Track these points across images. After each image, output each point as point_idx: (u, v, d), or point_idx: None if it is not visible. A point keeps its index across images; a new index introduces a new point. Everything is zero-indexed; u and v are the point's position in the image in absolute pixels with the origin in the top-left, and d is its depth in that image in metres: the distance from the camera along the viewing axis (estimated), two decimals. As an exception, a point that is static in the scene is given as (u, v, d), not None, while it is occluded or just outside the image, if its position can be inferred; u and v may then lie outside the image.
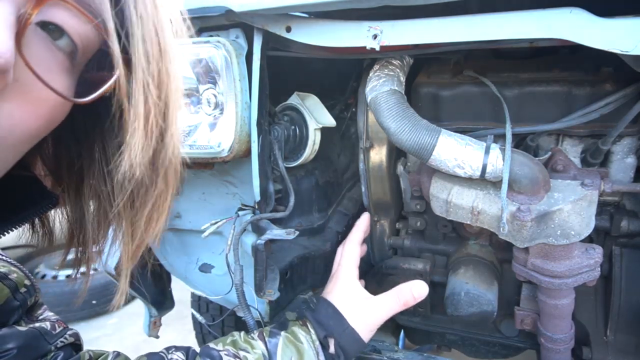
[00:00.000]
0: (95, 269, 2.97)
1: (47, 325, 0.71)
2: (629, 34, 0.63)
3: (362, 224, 1.02)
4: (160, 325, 1.28)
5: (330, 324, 0.85)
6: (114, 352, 0.79)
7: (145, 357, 0.77)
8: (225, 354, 0.79)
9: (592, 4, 0.66)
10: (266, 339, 0.83)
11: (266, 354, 0.80)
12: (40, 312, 0.74)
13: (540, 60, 1.00)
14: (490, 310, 1.00)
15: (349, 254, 0.96)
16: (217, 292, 1.11)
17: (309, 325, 0.85)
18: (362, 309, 0.88)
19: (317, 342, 0.82)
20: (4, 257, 0.67)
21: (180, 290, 1.35)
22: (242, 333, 0.86)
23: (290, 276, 1.06)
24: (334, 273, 0.96)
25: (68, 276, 2.90)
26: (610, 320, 1.00)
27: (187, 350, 0.80)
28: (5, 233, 0.48)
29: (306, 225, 1.20)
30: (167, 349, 0.80)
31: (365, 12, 0.80)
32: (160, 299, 1.25)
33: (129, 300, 3.03)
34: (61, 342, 0.72)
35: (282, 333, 0.84)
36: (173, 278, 1.29)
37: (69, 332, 0.75)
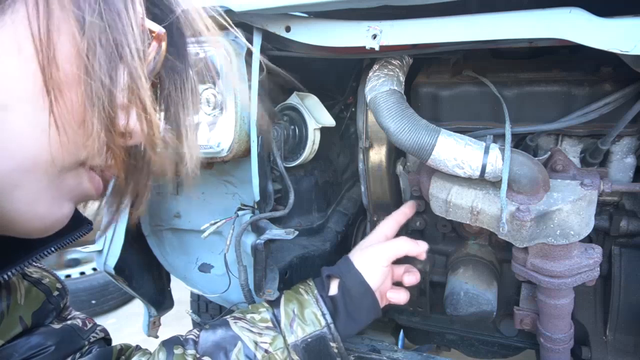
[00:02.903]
0: (94, 269, 2.98)
1: (78, 322, 0.76)
2: (628, 34, 0.63)
3: (407, 206, 1.07)
4: (160, 325, 1.27)
5: (337, 267, 0.91)
6: (136, 345, 0.84)
7: (163, 341, 0.82)
8: (232, 319, 0.85)
9: (592, 4, 0.66)
10: (271, 302, 0.89)
11: (271, 311, 0.87)
12: (67, 312, 0.78)
13: (539, 60, 1.00)
14: (489, 310, 1.00)
15: (382, 224, 1.02)
16: (217, 291, 1.11)
17: (308, 281, 0.92)
18: (367, 254, 0.93)
19: (316, 291, 0.88)
20: (35, 263, 0.69)
21: (180, 290, 1.35)
22: (250, 305, 0.92)
23: (289, 276, 1.06)
24: None
25: (68, 276, 2.90)
26: (609, 320, 1.00)
27: (200, 328, 0.86)
28: (40, 258, 0.52)
29: (305, 225, 1.20)
30: (181, 335, 0.85)
31: (364, 12, 0.80)
32: (159, 299, 1.25)
33: (128, 300, 3.03)
34: (93, 336, 0.77)
35: (284, 292, 0.90)
36: (172, 278, 1.28)
37: (98, 328, 0.80)
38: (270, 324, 0.84)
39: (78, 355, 0.72)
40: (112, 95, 0.42)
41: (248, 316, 0.86)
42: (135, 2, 0.44)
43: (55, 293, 0.73)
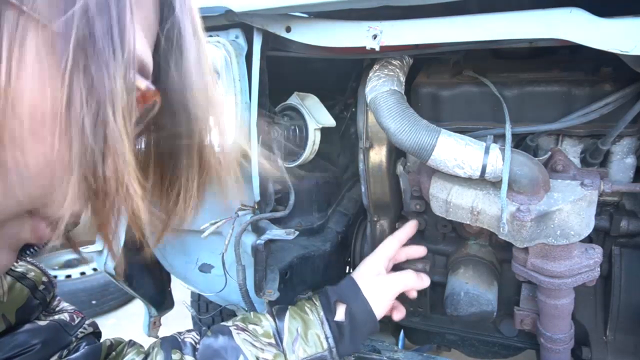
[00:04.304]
0: (95, 269, 2.98)
1: (65, 316, 0.74)
2: (628, 34, 0.63)
3: (409, 225, 1.09)
4: (160, 325, 1.28)
5: (345, 292, 0.91)
6: (129, 340, 0.82)
7: (160, 340, 0.80)
8: (235, 328, 0.84)
9: (592, 4, 0.66)
10: (275, 314, 0.88)
11: (274, 325, 0.86)
12: (55, 303, 0.76)
13: (539, 61, 1.00)
14: (489, 310, 1.00)
15: (385, 245, 1.03)
16: (216, 292, 1.11)
17: (314, 300, 0.91)
18: (376, 284, 0.93)
19: (322, 313, 0.87)
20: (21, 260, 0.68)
21: (180, 290, 1.35)
22: (252, 312, 0.91)
23: (289, 276, 1.06)
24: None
25: (68, 276, 2.90)
26: (609, 320, 1.00)
27: (199, 329, 0.85)
28: (31, 252, 0.50)
29: (306, 225, 1.20)
30: (179, 333, 0.84)
31: (365, 12, 0.80)
32: (159, 299, 1.25)
33: (128, 300, 3.03)
34: (81, 332, 0.75)
35: (289, 307, 0.89)
36: (173, 278, 1.28)
37: (87, 322, 0.78)
38: (272, 340, 0.83)
39: (65, 352, 0.70)
40: (84, 160, 0.35)
41: (250, 327, 0.85)
42: (129, 42, 0.36)
43: (41, 287, 0.71)
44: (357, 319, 0.87)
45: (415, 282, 0.97)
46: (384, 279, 0.95)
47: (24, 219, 0.39)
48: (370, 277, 0.95)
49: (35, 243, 0.42)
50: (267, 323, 0.86)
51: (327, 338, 0.85)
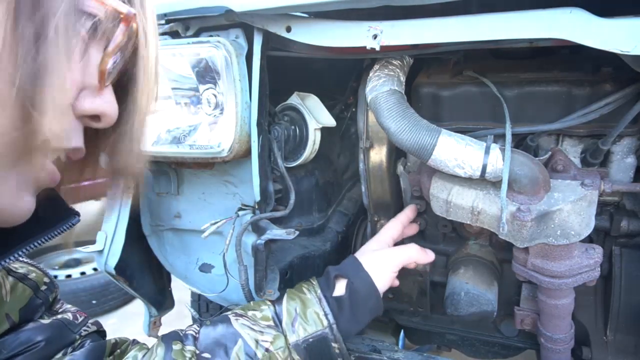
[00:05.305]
0: (95, 269, 2.98)
1: (69, 316, 0.75)
2: (629, 34, 0.63)
3: (410, 209, 1.08)
4: (160, 325, 1.27)
5: (346, 268, 0.90)
6: (133, 339, 0.82)
7: (162, 336, 0.81)
8: (233, 315, 0.84)
9: (592, 4, 0.66)
10: (274, 299, 0.89)
11: (273, 309, 0.86)
12: (58, 306, 0.77)
13: (540, 61, 1.00)
14: (490, 310, 1.00)
15: (388, 227, 1.03)
16: (217, 292, 1.11)
17: (312, 280, 0.91)
18: (377, 257, 0.93)
19: (319, 291, 0.87)
20: (21, 258, 0.69)
21: (180, 290, 1.35)
22: (253, 301, 0.91)
23: (290, 276, 1.06)
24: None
25: (68, 276, 2.90)
26: (610, 320, 1.00)
27: (200, 323, 0.85)
28: (25, 252, 0.50)
29: (306, 225, 1.20)
30: (181, 329, 0.84)
31: (365, 12, 0.80)
32: (160, 299, 1.25)
33: (128, 300, 3.03)
34: (84, 330, 0.76)
35: (287, 290, 0.89)
36: (173, 278, 1.28)
37: (90, 321, 0.79)
38: (271, 323, 0.83)
39: (70, 349, 0.71)
40: (24, 76, 0.36)
41: (249, 313, 0.85)
42: None
43: (43, 287, 0.72)
44: (358, 292, 0.86)
45: (420, 254, 0.95)
46: (385, 252, 0.94)
47: (35, 160, 0.42)
48: (372, 252, 0.95)
49: (51, 185, 0.46)
50: (265, 307, 0.86)
51: (326, 315, 0.84)
